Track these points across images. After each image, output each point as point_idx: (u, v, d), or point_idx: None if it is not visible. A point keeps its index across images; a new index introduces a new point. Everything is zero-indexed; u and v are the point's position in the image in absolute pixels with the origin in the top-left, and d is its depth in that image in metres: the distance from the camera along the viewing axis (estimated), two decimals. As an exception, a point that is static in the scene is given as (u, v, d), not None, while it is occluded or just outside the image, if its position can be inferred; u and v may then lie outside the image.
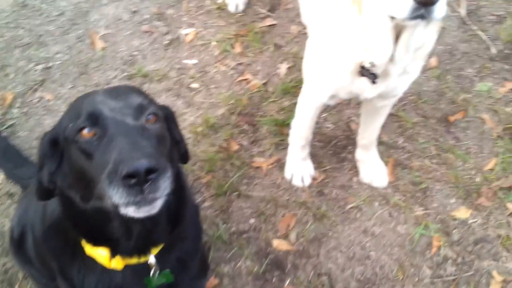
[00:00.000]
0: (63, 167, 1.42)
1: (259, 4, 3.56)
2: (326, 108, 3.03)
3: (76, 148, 1.33)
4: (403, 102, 3.11)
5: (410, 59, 1.90)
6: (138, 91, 1.51)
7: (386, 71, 1.92)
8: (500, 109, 3.09)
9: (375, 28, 1.77)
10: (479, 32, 3.45)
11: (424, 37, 1.86)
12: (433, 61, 3.28)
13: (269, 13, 3.50)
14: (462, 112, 3.08)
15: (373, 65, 1.89)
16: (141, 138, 1.30)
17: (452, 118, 3.05)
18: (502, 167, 2.86)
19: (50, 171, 1.43)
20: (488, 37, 3.44)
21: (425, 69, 3.24)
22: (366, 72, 1.93)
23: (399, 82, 2.04)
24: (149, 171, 1.17)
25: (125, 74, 3.17)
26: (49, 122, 2.97)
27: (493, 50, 3.38)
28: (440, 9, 1.46)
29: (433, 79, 3.21)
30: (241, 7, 3.48)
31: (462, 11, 1.92)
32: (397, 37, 1.78)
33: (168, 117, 1.57)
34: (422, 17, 1.48)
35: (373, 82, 1.94)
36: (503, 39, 3.41)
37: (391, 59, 1.85)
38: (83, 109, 1.36)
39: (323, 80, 2.17)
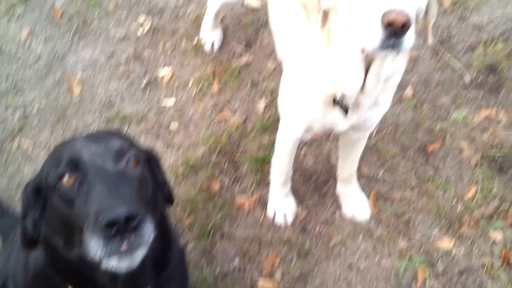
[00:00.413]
0: (47, 215, 1.44)
1: (235, 41, 3.63)
2: (306, 144, 3.09)
3: (58, 196, 1.35)
4: (381, 134, 3.17)
5: (381, 89, 1.94)
6: (119, 135, 1.54)
7: (357, 102, 1.96)
8: (477, 137, 3.17)
9: (345, 59, 1.81)
10: (452, 61, 3.54)
11: (393, 67, 1.91)
12: (409, 91, 3.36)
13: (245, 50, 3.57)
14: (439, 141, 3.15)
15: (344, 96, 1.92)
16: (121, 184, 1.32)
17: (430, 148, 3.12)
18: (482, 195, 2.92)
19: (34, 219, 1.45)
20: (461, 65, 3.53)
21: (401, 100, 3.32)
22: (338, 103, 1.97)
23: (371, 114, 2.10)
24: (129, 218, 1.19)
25: (104, 117, 3.20)
26: (28, 170, 2.98)
27: (467, 78, 3.47)
28: (409, 40, 1.49)
29: (410, 109, 3.28)
30: (217, 45, 3.54)
31: (430, 40, 1.97)
32: (367, 68, 1.82)
33: (150, 160, 1.60)
34: (392, 47, 1.51)
35: (345, 113, 1.99)
36: (476, 67, 3.51)
37: (362, 90, 1.89)
38: (64, 155, 1.38)
39: (296, 114, 2.22)
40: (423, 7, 1.75)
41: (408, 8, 1.50)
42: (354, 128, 2.20)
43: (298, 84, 2.12)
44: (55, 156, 1.44)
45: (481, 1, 3.95)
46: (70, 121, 3.20)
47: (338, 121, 2.09)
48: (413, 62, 3.53)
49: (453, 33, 3.74)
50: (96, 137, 1.48)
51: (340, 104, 1.98)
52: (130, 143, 1.50)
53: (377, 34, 1.48)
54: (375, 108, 2.09)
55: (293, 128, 2.34)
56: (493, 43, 3.64)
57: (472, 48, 3.65)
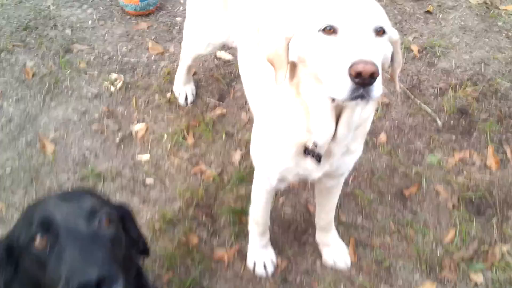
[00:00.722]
0: (19, 275, 1.42)
1: (208, 94, 3.69)
2: (283, 193, 3.11)
3: (30, 257, 1.35)
4: (358, 180, 3.21)
5: (352, 137, 1.99)
6: (91, 193, 1.54)
7: (329, 150, 2.00)
8: (452, 180, 3.23)
9: (315, 109, 1.84)
10: (423, 106, 3.64)
11: (363, 114, 1.96)
12: (382, 137, 3.42)
13: (218, 103, 3.62)
14: (416, 185, 3.20)
15: (316, 145, 1.95)
16: (93, 245, 1.32)
17: (407, 192, 3.16)
18: (461, 237, 2.96)
19: (6, 279, 1.43)
20: (433, 110, 3.63)
21: (376, 146, 3.39)
22: (310, 153, 1.99)
23: (343, 161, 2.13)
24: (101, 281, 1.19)
25: (78, 175, 3.19)
26: (1, 232, 2.93)
27: (439, 122, 3.56)
28: (377, 89, 1.53)
29: (384, 155, 3.34)
30: (190, 99, 3.59)
31: (398, 88, 2.03)
32: (337, 117, 1.86)
33: (124, 216, 1.60)
34: (361, 97, 1.54)
35: (318, 162, 2.01)
36: (447, 111, 3.61)
37: (334, 139, 1.93)
38: (36, 215, 1.38)
39: (269, 164, 2.24)
40: (389, 56, 1.82)
41: (375, 58, 1.54)
42: (328, 175, 2.23)
43: (269, 135, 2.15)
44: (27, 216, 1.44)
45: (448, 46, 4.10)
46: (44, 181, 3.18)
47: (311, 169, 2.12)
48: (385, 108, 3.62)
49: (423, 78, 3.86)
50: (68, 196, 1.48)
51: (312, 153, 2.01)
52: (102, 201, 1.50)
53: (346, 85, 1.52)
54: (347, 155, 2.12)
55: (267, 179, 2.36)
56: (462, 87, 3.76)
57: (442, 92, 3.77)
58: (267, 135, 2.17)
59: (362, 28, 1.60)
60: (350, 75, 1.50)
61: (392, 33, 1.80)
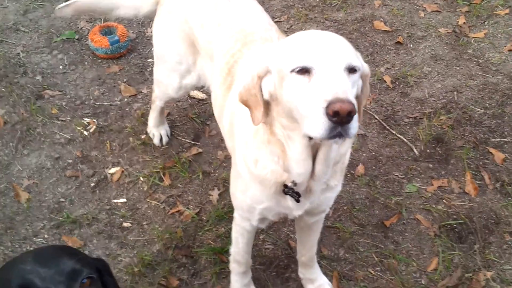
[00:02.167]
0: None
1: (183, 134, 3.76)
2: (263, 229, 3.15)
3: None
4: (338, 213, 3.28)
5: (330, 174, 2.05)
6: (69, 252, 1.53)
7: (309, 188, 2.05)
8: (432, 208, 3.31)
9: (291, 148, 1.90)
10: (399, 136, 3.75)
11: (341, 150, 2.03)
12: (360, 169, 3.51)
13: (194, 142, 3.69)
14: (396, 215, 3.28)
15: (295, 184, 2.01)
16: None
17: (388, 223, 3.23)
18: (444, 265, 3.03)
19: None
20: (409, 139, 3.73)
21: (354, 178, 3.47)
22: (289, 191, 2.05)
23: (323, 198, 2.19)
24: None
25: (53, 223, 3.20)
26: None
27: (416, 151, 3.67)
28: (354, 126, 1.59)
29: (363, 186, 3.42)
30: (165, 140, 3.66)
31: (360, 120, 2.10)
32: (314, 154, 1.93)
33: (102, 270, 1.60)
34: (339, 135, 1.59)
35: (297, 201, 2.07)
36: (423, 139, 3.72)
37: (312, 176, 1.99)
38: (13, 281, 1.37)
39: (249, 205, 2.28)
40: (359, 90, 1.90)
41: (351, 97, 1.60)
42: (309, 213, 2.28)
43: (246, 176, 2.18)
44: (2, 281, 1.42)
45: (420, 76, 4.25)
46: (19, 231, 3.19)
47: (291, 208, 2.16)
48: (361, 140, 3.72)
49: (397, 108, 3.98)
50: (46, 257, 1.45)
51: (290, 192, 2.06)
52: (81, 259, 1.49)
53: (324, 124, 1.57)
54: (327, 192, 2.18)
55: (247, 219, 2.41)
56: (437, 115, 3.89)
57: (417, 122, 3.88)
58: (244, 175, 2.20)
59: (335, 68, 1.66)
60: (327, 114, 1.54)
61: (364, 67, 1.88)
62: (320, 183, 2.06)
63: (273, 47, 1.95)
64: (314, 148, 1.90)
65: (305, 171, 1.95)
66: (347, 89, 1.62)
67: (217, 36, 2.62)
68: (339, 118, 1.54)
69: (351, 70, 1.71)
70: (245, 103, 1.93)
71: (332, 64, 1.66)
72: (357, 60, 1.77)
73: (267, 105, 1.91)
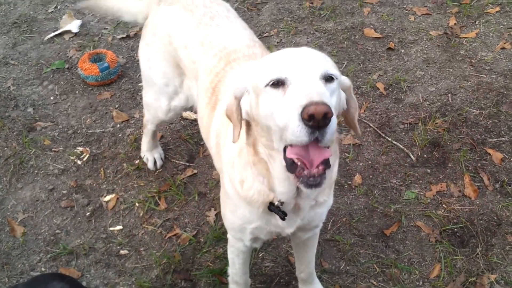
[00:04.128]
0: None
1: (177, 156, 3.79)
2: (262, 247, 3.16)
3: None
4: (337, 225, 3.29)
5: (317, 192, 2.05)
6: (59, 276, 1.56)
7: (297, 205, 2.06)
8: (432, 213, 3.31)
9: (274, 167, 1.90)
10: (395, 142, 3.76)
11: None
12: (357, 179, 3.52)
13: (188, 163, 3.71)
14: (396, 223, 3.28)
15: (281, 203, 2.02)
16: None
17: (388, 232, 3.23)
18: (447, 271, 3.02)
19: None
20: (405, 146, 3.74)
21: (351, 188, 3.48)
22: (274, 210, 2.05)
23: (314, 214, 2.19)
24: None
25: (50, 255, 3.23)
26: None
27: (413, 157, 3.67)
28: (332, 131, 1.58)
29: (361, 196, 3.43)
30: (159, 163, 3.69)
31: (359, 132, 2.11)
32: None
33: None
34: (317, 140, 1.58)
35: (283, 219, 2.08)
36: (419, 145, 3.73)
37: (300, 194, 1.99)
38: None
39: (239, 226, 2.29)
40: (343, 101, 1.92)
41: (326, 99, 1.60)
42: (301, 229, 2.28)
43: (234, 196, 2.20)
44: None
45: (414, 81, 4.27)
46: (16, 265, 3.21)
47: (282, 226, 2.17)
48: (357, 150, 3.73)
49: (392, 115, 4.00)
50: (37, 282, 1.48)
51: (276, 210, 2.06)
52: (70, 281, 1.51)
53: (300, 130, 1.56)
54: (317, 208, 2.18)
55: (240, 239, 2.42)
56: (432, 119, 3.90)
57: (412, 127, 3.90)
58: (232, 196, 2.22)
59: (309, 76, 1.67)
60: (303, 119, 1.54)
61: (343, 80, 1.89)
62: (309, 200, 2.07)
63: (251, 66, 1.98)
64: None
65: (288, 190, 1.95)
66: (322, 93, 1.62)
67: (201, 56, 2.65)
68: (315, 122, 1.52)
69: (328, 78, 1.72)
70: (229, 118, 1.95)
71: (305, 73, 1.68)
72: (334, 68, 1.78)
73: (249, 125, 1.93)
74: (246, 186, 2.08)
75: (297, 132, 1.57)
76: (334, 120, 1.59)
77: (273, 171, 1.92)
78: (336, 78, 1.76)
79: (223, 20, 2.77)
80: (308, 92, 1.60)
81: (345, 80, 1.92)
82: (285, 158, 1.72)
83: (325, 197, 2.17)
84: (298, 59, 1.75)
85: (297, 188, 1.94)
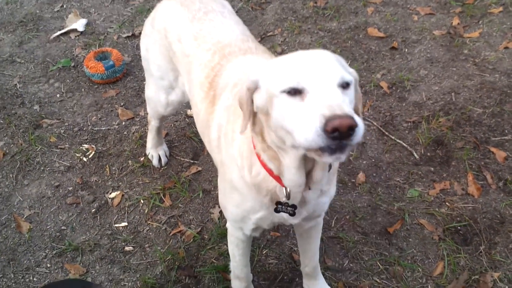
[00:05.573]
0: None
1: (181, 153, 3.78)
2: (266, 244, 3.15)
3: None
4: (341, 223, 3.27)
5: (326, 180, 2.04)
6: (77, 281, 1.55)
7: (304, 197, 2.04)
8: (435, 211, 3.29)
9: (287, 158, 1.86)
10: (398, 141, 3.74)
11: None
12: (361, 177, 3.51)
13: (193, 161, 3.71)
14: (399, 221, 3.26)
15: (288, 197, 2.00)
16: None
17: (391, 229, 3.21)
18: (450, 269, 3.00)
19: None
20: (408, 144, 3.73)
21: (355, 186, 3.46)
22: (282, 208, 2.05)
23: (317, 203, 2.17)
24: None
25: (55, 251, 3.22)
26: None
27: (416, 155, 3.66)
28: (358, 135, 1.52)
29: (365, 194, 3.41)
30: (164, 160, 3.69)
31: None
32: (311, 164, 1.90)
33: None
34: (340, 150, 1.54)
35: (293, 214, 2.06)
36: (423, 143, 3.71)
37: (309, 184, 1.96)
38: None
39: (243, 216, 2.27)
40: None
41: (347, 109, 1.54)
42: (305, 219, 2.27)
43: (244, 186, 2.15)
44: None
45: (417, 80, 4.25)
46: (21, 261, 3.21)
47: (287, 217, 2.14)
48: (361, 148, 3.71)
49: (395, 114, 3.98)
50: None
51: (285, 208, 2.05)
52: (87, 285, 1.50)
53: (318, 136, 1.51)
54: (321, 197, 2.17)
55: (240, 228, 2.41)
56: (435, 118, 3.88)
57: (416, 125, 3.88)
58: (240, 187, 2.18)
59: (328, 87, 1.62)
60: (325, 131, 1.48)
61: (351, 73, 1.83)
62: (317, 191, 2.05)
63: (263, 64, 1.93)
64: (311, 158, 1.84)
65: (298, 179, 1.91)
66: (344, 104, 1.57)
67: (194, 50, 2.65)
68: (339, 134, 1.48)
69: (345, 85, 1.69)
70: (241, 107, 1.91)
71: (325, 83, 1.63)
72: (348, 74, 1.73)
73: (254, 114, 1.90)
74: (255, 172, 2.04)
75: (316, 142, 1.52)
76: (360, 127, 1.53)
77: (283, 159, 1.88)
78: (351, 83, 1.72)
79: (217, 15, 2.76)
80: (330, 104, 1.55)
81: (352, 73, 1.88)
82: None
83: (329, 185, 2.16)
84: (314, 66, 1.69)
85: (306, 176, 1.92)
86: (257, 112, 1.88)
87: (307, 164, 1.90)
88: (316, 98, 1.59)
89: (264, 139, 1.92)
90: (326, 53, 1.80)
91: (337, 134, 1.48)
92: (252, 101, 1.87)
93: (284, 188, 2.00)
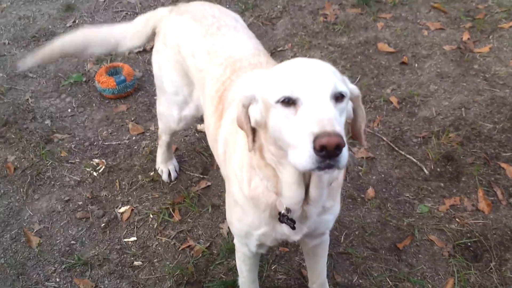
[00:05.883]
0: None
1: (191, 168, 3.79)
2: (275, 260, 3.14)
3: None
4: (350, 238, 3.26)
5: (326, 196, 2.03)
6: None
7: (304, 213, 2.03)
8: (445, 227, 3.27)
9: (282, 174, 1.88)
10: (408, 156, 3.73)
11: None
12: (370, 192, 3.49)
13: (202, 176, 3.71)
14: (409, 237, 3.24)
15: (289, 210, 2.00)
16: None
17: (401, 245, 3.20)
18: (460, 286, 2.98)
19: None
20: (418, 159, 3.71)
21: (364, 202, 3.45)
22: (283, 220, 2.04)
23: (320, 220, 2.16)
24: None
25: (65, 266, 3.23)
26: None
27: (426, 171, 3.64)
28: (344, 157, 1.55)
29: (374, 209, 3.40)
30: (174, 175, 3.70)
31: (364, 144, 2.09)
32: (308, 179, 1.90)
33: None
34: (328, 167, 1.56)
35: (293, 228, 2.06)
36: (432, 158, 3.70)
37: (307, 201, 1.97)
38: None
39: (246, 232, 2.28)
40: (350, 110, 1.89)
41: (339, 128, 1.56)
42: (308, 236, 2.26)
43: (244, 202, 2.17)
44: None
45: (427, 95, 4.24)
46: (31, 276, 3.22)
47: (288, 233, 2.14)
48: (370, 163, 3.71)
49: (405, 129, 3.97)
50: None
51: (285, 220, 2.04)
52: None
53: (311, 158, 1.54)
54: (324, 214, 2.16)
55: (246, 245, 2.41)
56: (445, 133, 3.87)
57: (425, 141, 3.87)
58: (240, 201, 2.20)
59: (320, 98, 1.63)
60: (314, 148, 1.52)
61: (352, 90, 1.86)
62: (317, 207, 2.04)
63: (259, 76, 1.96)
64: (307, 173, 1.87)
65: (296, 195, 1.92)
66: (335, 120, 1.58)
67: (207, 64, 2.67)
68: (327, 153, 1.51)
69: (338, 97, 1.69)
70: (241, 127, 1.93)
71: (317, 95, 1.64)
72: (344, 85, 1.74)
73: (254, 131, 1.91)
74: (254, 185, 2.05)
75: (307, 159, 1.56)
76: (346, 148, 1.56)
77: (282, 175, 1.89)
78: (346, 95, 1.73)
79: (229, 30, 2.78)
80: (320, 119, 1.57)
81: (355, 90, 1.87)
82: None
83: (332, 201, 2.14)
84: (309, 75, 1.70)
85: (305, 192, 1.93)
86: (256, 127, 1.89)
87: (305, 179, 1.91)
88: (308, 112, 1.61)
89: (263, 156, 1.92)
90: (321, 62, 1.81)
91: (325, 152, 1.51)
92: (249, 118, 1.87)
93: (282, 203, 2.01)
